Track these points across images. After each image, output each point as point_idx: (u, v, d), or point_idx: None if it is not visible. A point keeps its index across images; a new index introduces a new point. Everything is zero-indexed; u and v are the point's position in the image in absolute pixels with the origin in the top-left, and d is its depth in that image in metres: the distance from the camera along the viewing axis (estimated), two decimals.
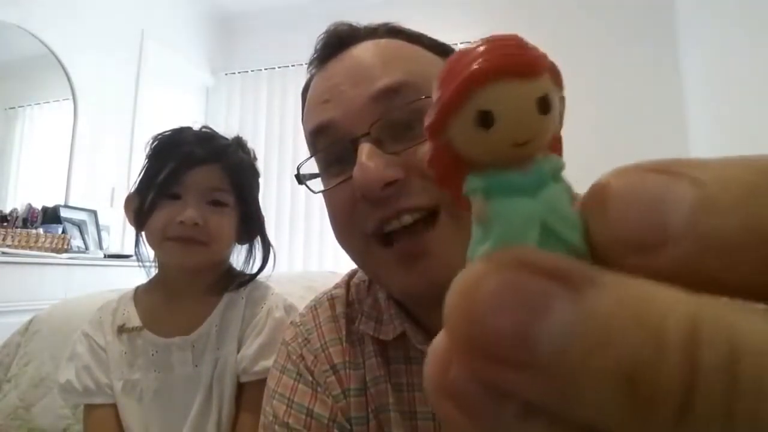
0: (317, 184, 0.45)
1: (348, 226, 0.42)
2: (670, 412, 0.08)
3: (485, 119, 0.11)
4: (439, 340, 0.10)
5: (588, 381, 0.08)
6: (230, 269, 0.74)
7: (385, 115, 0.39)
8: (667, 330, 0.08)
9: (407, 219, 0.38)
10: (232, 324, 0.68)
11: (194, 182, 0.65)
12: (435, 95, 0.12)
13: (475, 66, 0.11)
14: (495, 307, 0.09)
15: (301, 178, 0.46)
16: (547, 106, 0.11)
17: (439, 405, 0.10)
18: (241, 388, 0.66)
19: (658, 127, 2.58)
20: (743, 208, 0.09)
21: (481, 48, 0.11)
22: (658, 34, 2.64)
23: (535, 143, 0.12)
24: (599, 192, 0.11)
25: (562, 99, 0.12)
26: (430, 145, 0.13)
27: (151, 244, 0.68)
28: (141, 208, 0.66)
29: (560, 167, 0.12)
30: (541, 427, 0.09)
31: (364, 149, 0.38)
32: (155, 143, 0.69)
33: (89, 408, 0.66)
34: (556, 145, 0.13)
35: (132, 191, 0.69)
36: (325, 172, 0.44)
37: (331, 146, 0.42)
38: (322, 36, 0.45)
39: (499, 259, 0.10)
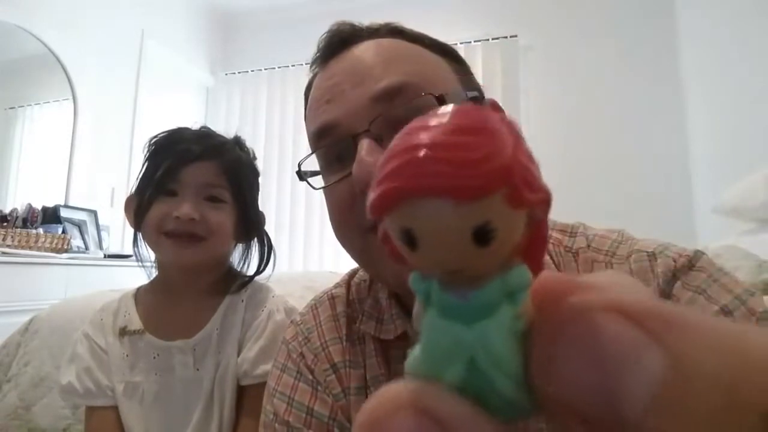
0: (318, 181, 0.46)
1: (347, 222, 0.42)
2: None
3: (409, 238, 0.09)
4: None
5: None
6: (231, 270, 0.73)
7: (385, 113, 0.39)
8: None
9: None
10: (233, 327, 0.67)
11: (190, 178, 0.65)
12: (377, 172, 0.10)
13: (394, 182, 0.09)
14: None
15: (302, 175, 0.46)
16: (485, 237, 0.09)
17: None
18: (241, 391, 0.65)
19: (658, 127, 2.59)
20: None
21: (416, 148, 0.09)
22: (658, 33, 2.65)
23: (471, 272, 0.09)
24: (548, 332, 0.09)
25: (544, 203, 0.10)
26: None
27: (148, 242, 0.67)
28: (140, 208, 0.66)
29: (522, 285, 0.10)
30: None
31: (364, 145, 0.38)
32: (153, 143, 0.69)
33: (90, 410, 0.66)
34: (532, 250, 0.10)
35: (132, 192, 0.69)
36: (326, 170, 0.44)
37: (332, 145, 0.42)
38: (324, 35, 0.45)
39: (406, 400, 0.09)
